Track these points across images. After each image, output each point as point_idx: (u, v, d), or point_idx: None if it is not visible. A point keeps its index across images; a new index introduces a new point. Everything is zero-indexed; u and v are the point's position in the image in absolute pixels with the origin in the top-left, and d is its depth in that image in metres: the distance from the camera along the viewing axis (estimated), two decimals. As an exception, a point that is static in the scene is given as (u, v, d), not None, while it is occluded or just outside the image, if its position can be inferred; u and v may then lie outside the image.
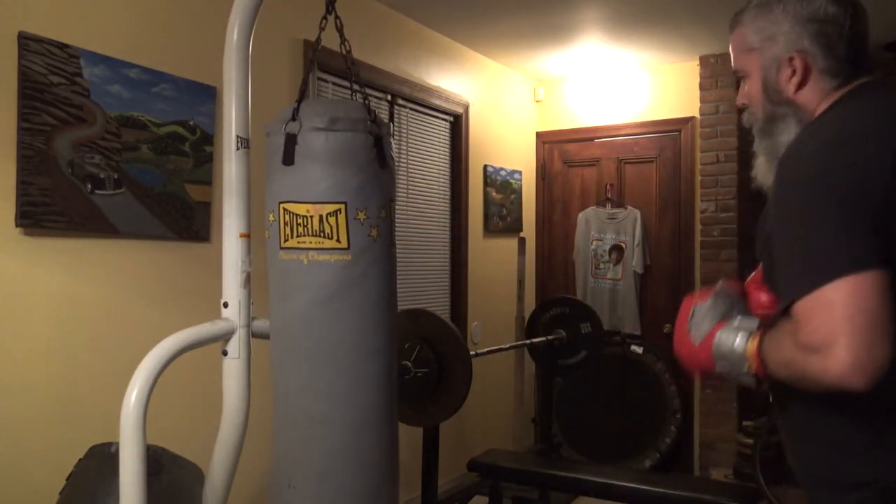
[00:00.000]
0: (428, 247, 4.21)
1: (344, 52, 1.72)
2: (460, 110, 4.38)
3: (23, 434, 2.18)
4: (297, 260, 1.60)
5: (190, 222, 2.65)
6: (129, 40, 2.47)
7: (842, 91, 1.18)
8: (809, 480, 1.17)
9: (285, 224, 1.60)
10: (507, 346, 3.92)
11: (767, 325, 1.14)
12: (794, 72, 1.19)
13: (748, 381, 1.15)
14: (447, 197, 4.37)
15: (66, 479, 1.87)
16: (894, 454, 1.04)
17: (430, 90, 4.08)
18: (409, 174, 4.03)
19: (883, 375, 0.94)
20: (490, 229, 4.68)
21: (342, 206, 1.57)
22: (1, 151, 2.11)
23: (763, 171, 1.25)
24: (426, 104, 4.10)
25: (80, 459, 1.88)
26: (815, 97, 1.19)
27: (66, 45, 2.25)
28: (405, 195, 3.98)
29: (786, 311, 1.04)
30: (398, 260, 4.02)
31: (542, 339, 3.90)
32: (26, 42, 2.15)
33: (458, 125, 4.40)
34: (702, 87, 4.62)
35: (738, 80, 1.31)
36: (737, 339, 1.15)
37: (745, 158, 4.69)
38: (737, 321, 1.17)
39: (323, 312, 1.60)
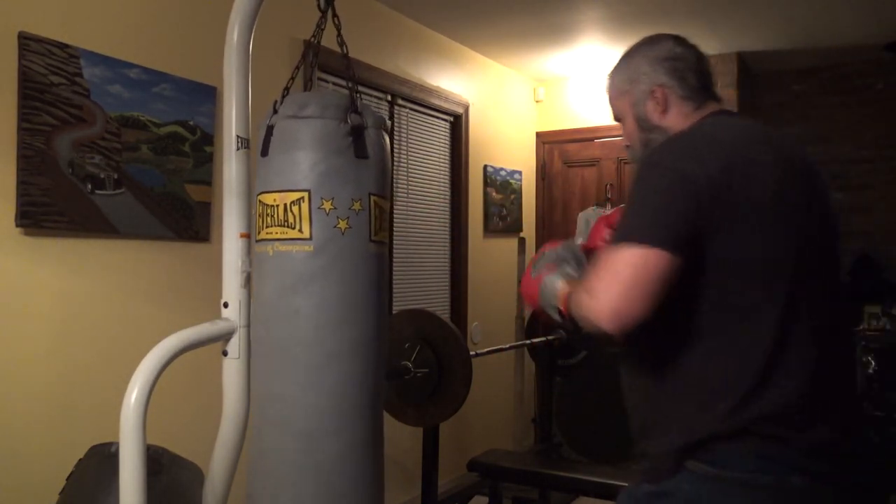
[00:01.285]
0: (428, 247, 4.21)
1: (342, 50, 1.72)
2: (460, 110, 4.38)
3: (23, 434, 2.18)
4: (265, 252, 1.54)
5: (190, 222, 2.65)
6: (129, 40, 2.47)
7: (701, 112, 1.40)
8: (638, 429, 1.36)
9: (259, 216, 1.56)
10: (507, 346, 3.92)
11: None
12: (657, 102, 1.40)
13: (556, 315, 1.37)
14: (447, 197, 4.37)
15: (66, 479, 1.87)
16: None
17: (430, 90, 4.08)
18: (409, 174, 4.03)
19: (631, 330, 1.15)
20: (490, 229, 4.68)
21: (305, 195, 1.49)
22: (1, 151, 2.11)
23: None
24: (426, 104, 4.10)
25: (80, 459, 1.88)
26: (679, 119, 1.40)
27: (66, 45, 2.25)
28: (405, 195, 3.98)
29: None
30: (397, 260, 4.02)
31: (542, 339, 3.90)
32: (26, 42, 2.15)
33: (458, 125, 4.40)
34: (702, 87, 4.62)
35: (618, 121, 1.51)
36: (557, 281, 1.37)
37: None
38: (564, 268, 1.40)
39: (283, 306, 1.51)
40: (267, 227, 1.54)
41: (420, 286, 4.11)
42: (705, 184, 1.18)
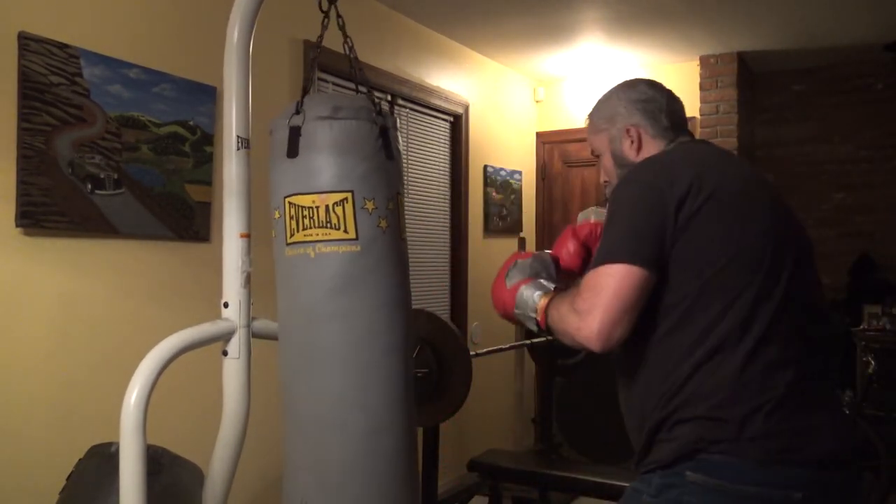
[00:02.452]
0: (428, 247, 4.20)
1: (346, 49, 1.72)
2: (460, 110, 4.38)
3: (23, 434, 2.18)
4: (304, 254, 1.53)
5: (190, 222, 2.65)
6: (129, 40, 2.47)
7: (672, 146, 1.51)
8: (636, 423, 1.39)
9: (291, 218, 1.54)
10: (507, 346, 3.92)
11: (561, 289, 1.45)
12: (632, 141, 1.51)
13: (532, 326, 1.47)
14: (447, 197, 4.37)
15: (67, 479, 1.87)
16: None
17: (430, 90, 4.08)
18: (409, 174, 4.02)
19: (616, 347, 1.26)
20: (490, 229, 4.68)
21: (349, 195, 1.51)
22: (1, 151, 2.11)
23: None
24: (426, 104, 4.10)
25: (80, 459, 1.88)
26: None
27: (66, 45, 2.25)
28: (405, 195, 3.97)
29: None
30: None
31: (542, 339, 3.90)
32: (26, 42, 2.15)
33: (458, 125, 4.40)
34: (702, 87, 4.62)
35: (595, 155, 1.62)
36: (535, 293, 1.45)
37: (744, 159, 4.69)
38: (540, 281, 1.48)
39: (332, 307, 1.51)
40: (304, 229, 1.53)
41: (420, 286, 4.11)
42: (675, 193, 1.27)
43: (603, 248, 1.31)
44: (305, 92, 1.64)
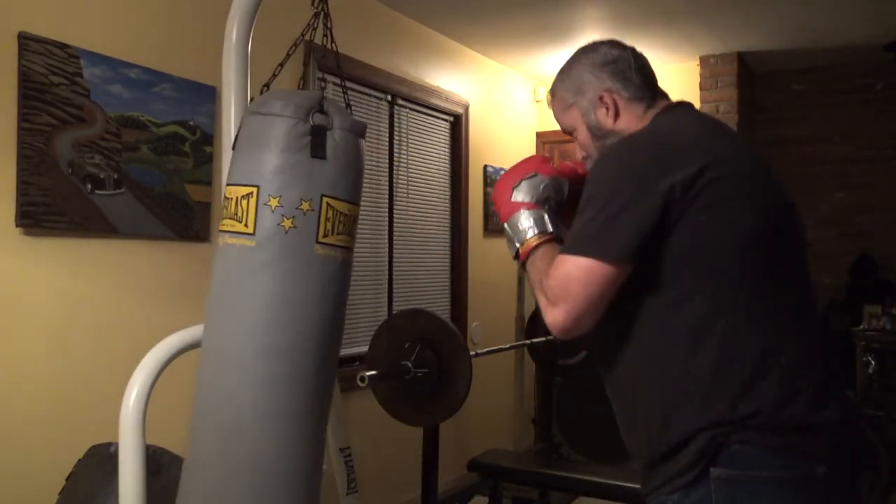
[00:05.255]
0: (428, 247, 4.20)
1: (326, 38, 1.72)
2: (460, 110, 4.38)
3: (22, 434, 2.18)
4: (219, 242, 1.57)
5: (190, 222, 2.65)
6: (129, 40, 2.47)
7: (653, 111, 1.40)
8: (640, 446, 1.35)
9: (223, 207, 1.60)
10: (507, 346, 3.92)
11: (557, 237, 1.34)
12: (607, 108, 1.40)
13: (512, 253, 1.38)
14: (447, 197, 4.37)
15: (66, 479, 1.88)
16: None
17: (429, 90, 4.08)
18: (409, 174, 4.02)
19: (579, 338, 1.25)
20: (490, 229, 4.68)
21: (254, 190, 1.51)
22: (1, 151, 2.11)
23: None
24: (426, 104, 4.10)
25: (79, 459, 1.89)
26: (632, 120, 1.39)
27: (66, 45, 2.25)
28: (405, 195, 3.98)
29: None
30: (397, 260, 4.01)
31: (542, 339, 3.90)
32: (26, 42, 2.15)
33: (457, 125, 4.40)
34: (702, 87, 4.62)
35: (570, 135, 1.50)
36: (528, 227, 1.35)
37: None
38: (543, 215, 1.36)
39: (224, 297, 1.57)
40: (223, 218, 1.56)
41: (420, 286, 4.11)
42: (666, 189, 1.18)
43: (576, 232, 1.24)
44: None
